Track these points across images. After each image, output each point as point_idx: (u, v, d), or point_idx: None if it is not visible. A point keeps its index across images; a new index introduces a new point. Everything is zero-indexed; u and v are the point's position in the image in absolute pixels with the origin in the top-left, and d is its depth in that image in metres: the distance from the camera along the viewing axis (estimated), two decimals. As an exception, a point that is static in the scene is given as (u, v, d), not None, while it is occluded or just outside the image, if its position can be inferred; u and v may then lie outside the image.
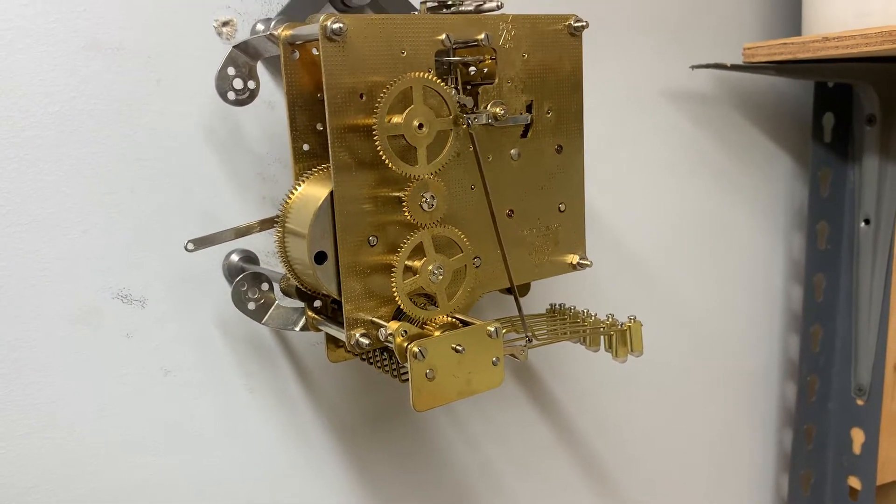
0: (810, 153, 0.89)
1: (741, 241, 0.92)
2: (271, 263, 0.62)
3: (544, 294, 0.72)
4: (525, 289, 0.63)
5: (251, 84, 0.54)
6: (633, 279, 0.84)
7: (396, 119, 0.48)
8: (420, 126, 0.48)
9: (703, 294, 0.90)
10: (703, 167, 0.87)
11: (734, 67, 0.79)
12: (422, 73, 0.48)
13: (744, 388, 0.96)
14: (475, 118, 0.51)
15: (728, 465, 0.97)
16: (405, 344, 0.48)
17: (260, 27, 0.59)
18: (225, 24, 0.59)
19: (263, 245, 0.62)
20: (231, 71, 0.53)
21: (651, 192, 0.84)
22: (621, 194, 0.81)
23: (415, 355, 0.47)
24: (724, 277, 0.92)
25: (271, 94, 0.61)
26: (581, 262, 0.60)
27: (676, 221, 0.86)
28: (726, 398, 0.95)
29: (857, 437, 0.90)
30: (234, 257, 0.61)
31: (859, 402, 0.89)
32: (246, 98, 0.54)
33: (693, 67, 0.80)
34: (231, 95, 0.53)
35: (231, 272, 0.60)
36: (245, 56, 0.53)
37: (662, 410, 0.90)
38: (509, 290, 0.61)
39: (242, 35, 0.60)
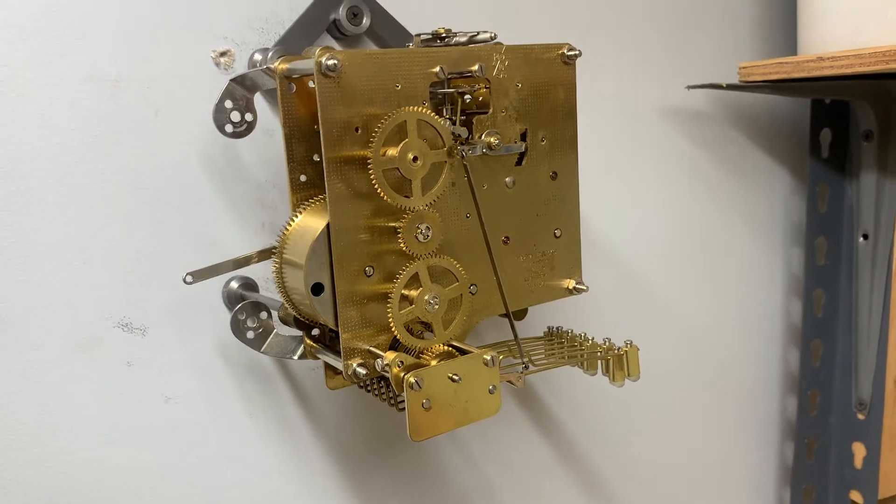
0: (808, 169, 0.89)
1: (740, 258, 0.92)
2: (271, 290, 0.63)
3: (542, 316, 0.72)
4: (522, 313, 0.63)
5: (249, 116, 0.55)
6: (632, 297, 0.84)
7: (391, 152, 0.48)
8: (415, 159, 0.49)
9: (702, 310, 0.90)
10: (701, 185, 0.87)
11: (730, 87, 0.79)
12: (416, 108, 0.49)
13: (744, 403, 0.96)
14: (470, 150, 0.51)
15: (729, 480, 0.97)
16: (402, 374, 0.49)
17: (258, 57, 0.60)
18: (223, 54, 0.60)
19: (263, 272, 0.63)
20: (228, 104, 0.54)
21: (648, 211, 0.84)
22: (618, 213, 0.82)
23: (411, 386, 0.48)
24: (724, 294, 0.92)
25: (270, 121, 0.62)
26: (577, 286, 0.61)
27: (674, 239, 0.86)
28: (727, 413, 0.95)
29: (859, 451, 0.90)
30: (234, 284, 0.61)
31: (860, 417, 0.89)
32: (243, 130, 0.54)
33: (689, 88, 0.81)
34: (229, 128, 0.54)
35: (231, 299, 0.61)
36: (242, 89, 0.54)
37: (663, 427, 0.90)
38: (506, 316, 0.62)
39: (240, 64, 0.60)
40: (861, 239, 0.88)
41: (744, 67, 0.79)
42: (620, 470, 0.87)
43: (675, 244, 0.86)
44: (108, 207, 0.58)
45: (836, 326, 0.91)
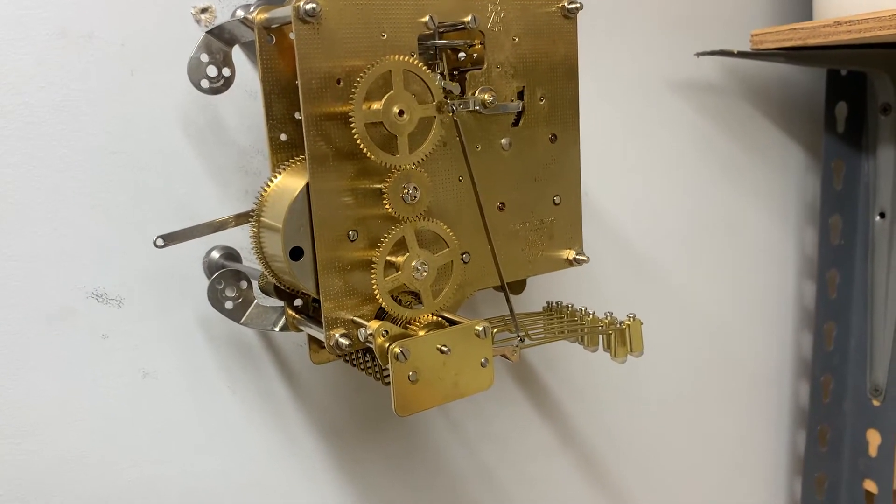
0: (822, 144, 0.87)
1: (750, 237, 0.89)
2: (253, 260, 0.60)
3: (542, 292, 0.69)
4: (520, 286, 0.60)
5: (226, 71, 0.51)
6: (637, 276, 0.81)
7: (375, 105, 0.45)
8: (400, 113, 0.45)
9: (710, 291, 0.87)
10: (711, 160, 0.84)
11: (742, 55, 0.76)
12: (402, 57, 0.45)
13: (755, 389, 0.93)
14: (461, 105, 0.48)
15: (739, 468, 0.94)
16: (386, 344, 0.45)
17: (240, 13, 0.57)
18: (203, 10, 0.57)
19: (246, 241, 0.60)
20: (204, 57, 0.50)
21: (655, 185, 0.81)
22: (624, 187, 0.78)
23: (396, 356, 0.45)
24: (733, 274, 0.89)
25: (252, 82, 0.58)
26: (577, 257, 0.57)
27: (682, 216, 0.83)
28: (736, 399, 0.92)
29: (874, 438, 0.88)
30: (215, 254, 0.58)
31: (875, 403, 0.87)
32: (220, 86, 0.51)
33: (698, 55, 0.77)
34: (204, 83, 0.51)
35: (211, 269, 0.58)
36: (219, 42, 0.51)
37: (669, 411, 0.87)
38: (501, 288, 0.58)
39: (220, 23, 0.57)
40: (877, 217, 0.85)
41: (756, 35, 0.76)
42: (624, 456, 0.84)
43: (682, 222, 0.83)
44: (80, 172, 0.55)
45: (851, 309, 0.88)
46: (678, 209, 0.83)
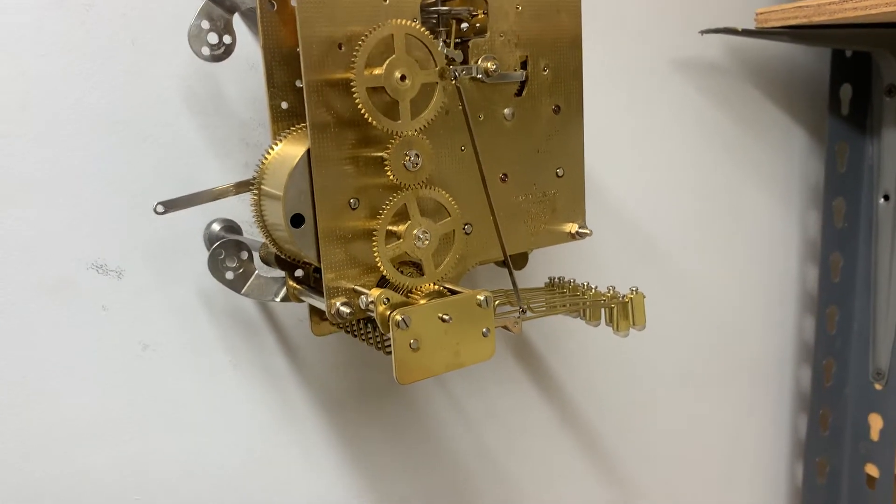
0: (826, 126, 0.86)
1: (753, 219, 0.88)
2: (254, 234, 0.59)
3: (544, 268, 0.68)
4: (522, 260, 0.60)
5: (227, 39, 0.51)
6: (639, 257, 0.81)
7: (377, 71, 0.44)
8: (402, 77, 0.45)
9: (712, 274, 0.87)
10: (713, 141, 0.83)
11: (746, 32, 0.75)
12: (403, 21, 0.45)
13: (756, 372, 0.93)
14: (464, 71, 0.47)
15: (740, 452, 0.94)
16: (387, 312, 0.45)
17: (241, -18, 0.56)
18: (204, -21, 0.56)
19: (246, 214, 0.59)
20: (205, 24, 0.50)
21: (658, 166, 0.80)
22: (627, 167, 0.78)
23: (397, 324, 0.44)
24: (735, 257, 0.88)
25: (254, 54, 0.58)
26: (580, 230, 0.57)
27: (684, 197, 0.83)
28: (737, 382, 0.92)
29: (875, 423, 0.87)
30: (216, 226, 0.58)
31: (877, 387, 0.86)
32: (221, 53, 0.51)
33: (703, 32, 0.76)
34: (205, 51, 0.50)
35: (212, 241, 0.57)
36: (220, 9, 0.50)
37: (670, 393, 0.87)
38: (503, 262, 0.58)
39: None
40: (881, 200, 0.84)
41: (761, 13, 0.75)
42: (625, 437, 0.84)
43: (683, 203, 0.83)
44: (80, 142, 0.54)
45: (854, 292, 0.88)
46: (680, 190, 0.82)
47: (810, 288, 0.94)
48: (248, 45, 0.57)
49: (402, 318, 0.44)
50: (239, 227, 0.59)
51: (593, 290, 0.58)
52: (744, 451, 0.94)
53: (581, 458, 0.82)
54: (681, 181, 0.82)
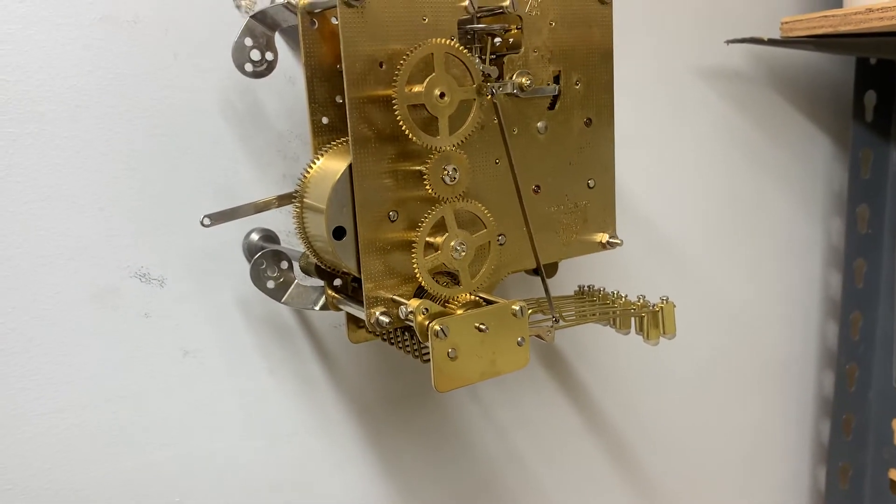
0: (851, 133, 0.86)
1: (777, 226, 0.89)
2: (292, 243, 0.61)
3: (572, 277, 0.69)
4: (552, 270, 0.61)
5: (269, 55, 0.52)
6: (663, 264, 0.81)
7: (417, 88, 0.46)
8: (441, 95, 0.46)
9: (736, 280, 0.88)
10: (738, 148, 0.84)
11: (772, 42, 0.76)
12: (444, 40, 0.46)
13: (779, 378, 0.94)
14: (500, 87, 0.49)
15: (762, 457, 0.94)
16: (426, 322, 0.46)
17: None
18: (244, -4, 0.58)
19: (284, 225, 0.61)
20: (248, 42, 0.51)
21: (682, 174, 0.81)
22: (651, 175, 0.79)
23: (436, 334, 0.45)
24: (759, 263, 0.89)
25: (292, 68, 0.60)
26: (611, 240, 0.58)
27: (709, 205, 0.83)
28: (761, 387, 0.92)
29: (899, 428, 0.87)
30: (255, 236, 0.60)
31: (901, 392, 0.86)
32: (264, 70, 0.52)
33: (728, 42, 0.77)
34: (248, 67, 0.52)
35: (251, 251, 0.59)
36: (262, 26, 0.52)
37: (694, 399, 0.87)
38: (535, 272, 0.59)
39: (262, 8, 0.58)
40: (906, 206, 0.84)
41: (786, 22, 0.76)
42: (649, 441, 0.85)
43: (707, 211, 0.84)
44: (124, 153, 0.56)
45: (878, 298, 0.88)
46: (703, 197, 0.83)
47: (833, 293, 0.94)
48: (285, 60, 0.59)
49: (441, 328, 0.46)
50: (277, 236, 0.60)
51: (623, 299, 0.59)
52: (767, 456, 0.95)
53: (607, 463, 0.83)
54: (704, 188, 0.83)
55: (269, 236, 0.60)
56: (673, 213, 0.81)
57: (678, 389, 0.86)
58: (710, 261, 0.85)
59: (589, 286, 0.62)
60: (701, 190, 0.82)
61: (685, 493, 0.89)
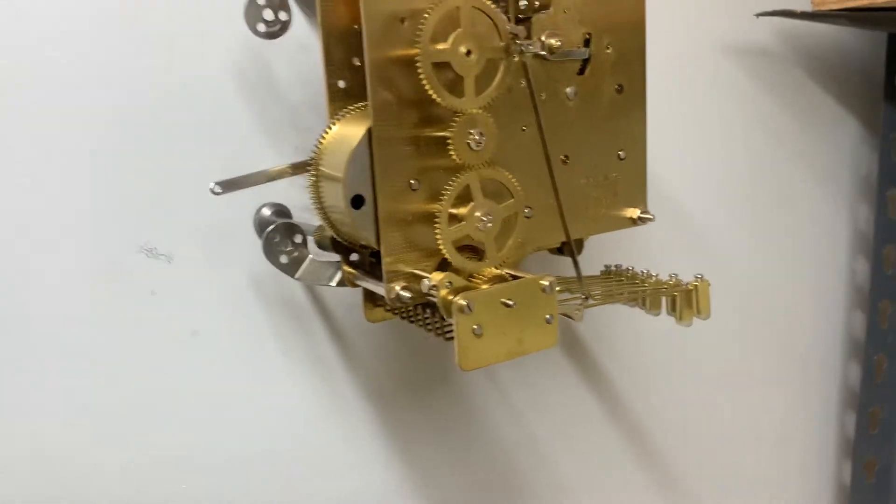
0: (882, 115, 0.83)
1: (802, 210, 0.86)
2: (304, 218, 0.58)
3: (597, 256, 0.67)
4: (578, 247, 0.58)
5: (283, 15, 0.50)
6: (684, 246, 0.79)
7: (442, 45, 0.43)
8: (468, 52, 0.43)
9: (760, 268, 0.85)
10: (763, 128, 0.81)
11: (804, 15, 0.73)
12: (471, -6, 0.43)
13: (804, 369, 0.91)
14: (528, 47, 0.46)
15: (785, 450, 0.92)
16: (450, 297, 0.44)
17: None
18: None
19: (297, 199, 0.58)
20: (261, 0, 0.49)
21: (705, 153, 0.78)
22: (674, 155, 0.76)
23: (461, 309, 0.43)
24: (784, 250, 0.86)
25: (306, 35, 0.57)
26: (643, 216, 0.55)
27: (732, 187, 0.81)
28: (784, 378, 0.90)
29: (929, 421, 0.84)
30: (266, 211, 0.57)
31: (932, 384, 0.84)
32: (277, 30, 0.50)
33: (758, 15, 0.74)
34: (261, 27, 0.49)
35: (262, 226, 0.56)
36: (276, -15, 0.49)
37: (716, 387, 0.85)
38: (559, 250, 0.56)
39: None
40: (938, 190, 0.82)
41: (818, -5, 0.73)
42: (670, 431, 0.82)
43: (730, 194, 0.81)
44: (131, 124, 0.53)
45: (908, 286, 0.85)
46: (726, 180, 0.80)
47: (860, 282, 0.91)
48: (299, 26, 0.56)
49: (467, 303, 0.43)
50: (289, 211, 0.58)
51: (654, 279, 0.56)
52: (790, 449, 0.92)
53: (628, 451, 0.80)
54: (728, 169, 0.80)
55: (282, 211, 0.57)
56: (693, 194, 0.78)
57: (698, 378, 0.83)
58: (732, 247, 0.82)
59: (616, 266, 0.59)
60: (723, 170, 0.80)
61: (704, 485, 0.87)
